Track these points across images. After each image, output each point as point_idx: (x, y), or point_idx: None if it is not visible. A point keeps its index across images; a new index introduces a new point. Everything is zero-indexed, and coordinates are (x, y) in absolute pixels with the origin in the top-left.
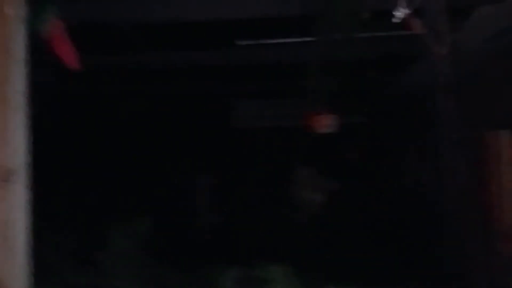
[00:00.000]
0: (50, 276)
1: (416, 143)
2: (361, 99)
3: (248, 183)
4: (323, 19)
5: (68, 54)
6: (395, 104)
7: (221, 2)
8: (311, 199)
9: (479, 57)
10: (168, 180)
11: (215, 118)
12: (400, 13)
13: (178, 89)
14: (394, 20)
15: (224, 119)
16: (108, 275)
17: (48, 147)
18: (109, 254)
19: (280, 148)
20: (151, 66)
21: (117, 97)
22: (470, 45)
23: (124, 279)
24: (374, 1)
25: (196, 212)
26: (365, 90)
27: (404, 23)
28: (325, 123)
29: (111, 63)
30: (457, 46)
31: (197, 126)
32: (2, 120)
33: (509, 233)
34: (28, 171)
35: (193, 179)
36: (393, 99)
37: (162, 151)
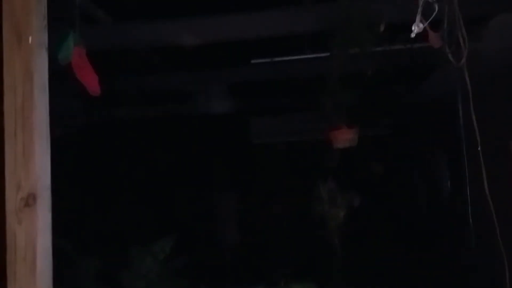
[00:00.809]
0: None
1: (440, 154)
2: (383, 112)
3: (269, 198)
4: (338, 34)
5: (90, 80)
6: (417, 115)
7: (235, 22)
8: (334, 214)
9: (502, 65)
10: (190, 198)
11: (234, 135)
12: (417, 27)
13: (197, 109)
14: (411, 34)
15: (243, 136)
16: None
17: (71, 169)
18: (132, 274)
19: (302, 163)
20: (169, 87)
21: (137, 119)
22: (492, 53)
23: None
24: (390, 14)
25: (218, 229)
26: (386, 103)
27: (421, 36)
28: (345, 137)
29: (130, 87)
30: (478, 55)
31: (217, 143)
32: (26, 146)
33: None
34: (51, 195)
35: (214, 197)
36: (415, 110)
37: (183, 170)
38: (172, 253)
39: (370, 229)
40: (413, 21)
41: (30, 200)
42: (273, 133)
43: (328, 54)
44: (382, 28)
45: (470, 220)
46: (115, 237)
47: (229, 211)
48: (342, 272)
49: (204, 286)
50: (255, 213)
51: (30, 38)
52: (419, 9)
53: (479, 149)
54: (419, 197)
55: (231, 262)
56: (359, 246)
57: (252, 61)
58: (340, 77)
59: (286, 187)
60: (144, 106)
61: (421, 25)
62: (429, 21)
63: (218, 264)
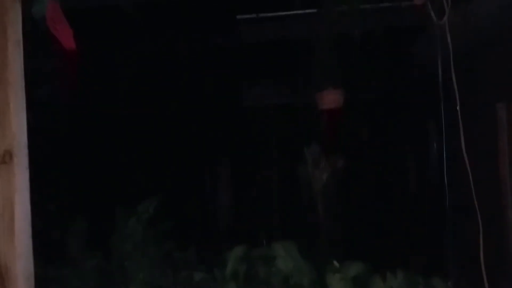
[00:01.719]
0: (56, 259)
1: (428, 120)
2: (372, 75)
3: (256, 161)
4: None
5: (65, 35)
6: (406, 80)
7: None
8: (319, 177)
9: (492, 27)
10: (176, 161)
11: (221, 98)
12: None
13: (183, 70)
14: None
15: (230, 99)
16: (116, 256)
17: (53, 129)
18: (117, 235)
19: (290, 127)
20: (154, 49)
21: (120, 79)
22: (482, 16)
23: (132, 260)
24: None
25: (204, 191)
26: (375, 66)
27: None
28: (330, 98)
29: (112, 46)
30: (468, 15)
31: (205, 106)
32: (1, 102)
33: None
34: (28, 152)
35: (201, 159)
36: (405, 75)
37: (168, 132)
38: (159, 215)
39: (355, 192)
40: None
41: (6, 158)
42: (263, 96)
43: (316, 10)
44: None
45: (445, 179)
46: (103, 198)
47: (217, 173)
48: (325, 233)
49: (190, 247)
50: (241, 176)
51: None
52: None
53: (457, 108)
54: (405, 161)
55: (215, 224)
56: (343, 209)
57: (238, 17)
58: (328, 39)
59: (274, 150)
60: (132, 66)
61: None
62: None
63: (205, 226)
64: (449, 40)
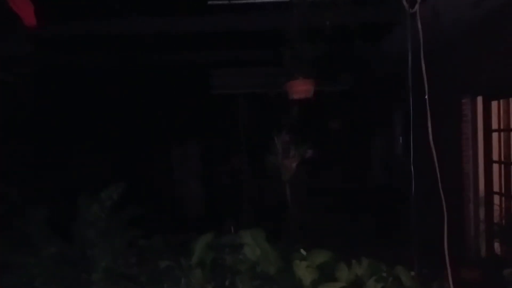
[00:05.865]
0: (19, 245)
1: (395, 111)
2: (343, 67)
3: (225, 149)
4: None
5: (26, 11)
6: (376, 72)
7: None
8: (289, 166)
9: (460, 24)
10: (144, 147)
11: (192, 85)
12: None
13: (155, 56)
14: None
15: (202, 87)
16: (78, 244)
17: (21, 112)
18: (79, 222)
19: (261, 116)
20: (125, 32)
21: (92, 65)
22: (451, 11)
23: (95, 247)
24: None
25: (171, 179)
26: (347, 57)
27: None
28: (301, 88)
29: (85, 31)
30: (436, 12)
31: (174, 93)
32: None
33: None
34: None
35: (170, 146)
36: (374, 67)
37: (138, 119)
38: (123, 202)
39: (321, 181)
40: None
41: None
42: (234, 84)
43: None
44: None
45: (412, 169)
46: (67, 186)
47: (185, 161)
48: (293, 221)
49: (156, 235)
50: (211, 164)
51: None
52: None
53: (426, 97)
54: (372, 151)
55: (185, 211)
56: (311, 197)
57: (209, 2)
58: (300, 29)
59: (244, 139)
60: (99, 52)
61: None
62: None
63: (172, 213)
64: (419, 27)
